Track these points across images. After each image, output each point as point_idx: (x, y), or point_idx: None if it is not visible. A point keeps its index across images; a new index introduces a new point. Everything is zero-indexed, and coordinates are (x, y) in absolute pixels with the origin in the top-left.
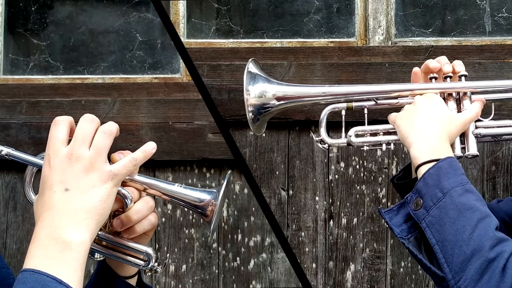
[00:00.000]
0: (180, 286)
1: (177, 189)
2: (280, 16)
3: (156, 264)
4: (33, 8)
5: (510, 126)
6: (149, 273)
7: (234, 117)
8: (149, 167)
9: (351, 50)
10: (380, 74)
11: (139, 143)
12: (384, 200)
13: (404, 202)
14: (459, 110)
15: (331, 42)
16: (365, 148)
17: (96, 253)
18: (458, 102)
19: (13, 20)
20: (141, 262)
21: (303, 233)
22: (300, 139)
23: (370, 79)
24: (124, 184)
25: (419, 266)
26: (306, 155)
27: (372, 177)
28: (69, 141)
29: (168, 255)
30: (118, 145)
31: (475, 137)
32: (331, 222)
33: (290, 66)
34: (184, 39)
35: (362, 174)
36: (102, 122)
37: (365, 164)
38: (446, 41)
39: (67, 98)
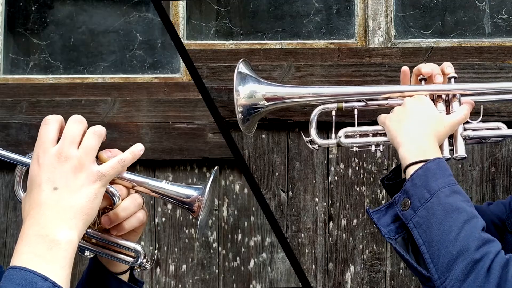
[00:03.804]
0: (180, 286)
1: (165, 185)
2: (280, 18)
3: (144, 260)
4: (33, 8)
5: (498, 128)
6: (138, 270)
7: (234, 118)
8: (149, 166)
9: (350, 52)
10: (379, 76)
11: (139, 143)
12: (384, 202)
13: (392, 202)
14: (448, 112)
15: (331, 43)
16: (355, 149)
17: (86, 251)
18: (447, 104)
19: (13, 20)
20: (130, 259)
21: (302, 235)
22: (299, 140)
23: (370, 81)
24: (112, 181)
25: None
26: (305, 156)
27: (371, 178)
28: (58, 140)
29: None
30: (118, 144)
31: (464, 139)
32: (331, 223)
33: (290, 68)
34: (183, 40)
35: (361, 176)
36: (102, 122)
37: (364, 165)
38: (445, 42)
39: (67, 97)
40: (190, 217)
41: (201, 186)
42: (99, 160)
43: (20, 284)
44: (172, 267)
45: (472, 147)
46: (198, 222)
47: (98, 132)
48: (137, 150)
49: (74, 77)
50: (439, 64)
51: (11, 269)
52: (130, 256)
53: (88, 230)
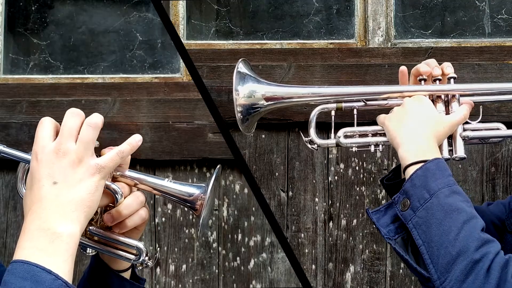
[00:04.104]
0: (180, 286)
1: (167, 184)
2: (280, 18)
3: (147, 258)
4: (33, 8)
5: (498, 128)
6: (140, 267)
7: (234, 118)
8: (149, 166)
9: (350, 52)
10: (379, 76)
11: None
12: (384, 202)
13: (391, 202)
14: (447, 112)
15: (331, 43)
16: (354, 149)
17: (88, 248)
18: (447, 104)
19: (13, 20)
20: (132, 257)
21: (302, 235)
22: (299, 140)
23: (370, 81)
24: (115, 179)
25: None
26: (305, 156)
27: (371, 178)
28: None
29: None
30: (118, 144)
31: (463, 139)
32: (331, 223)
33: (290, 68)
34: (183, 41)
35: (361, 176)
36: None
37: (364, 165)
38: (445, 42)
39: (67, 97)
40: (190, 217)
41: (203, 185)
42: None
43: (23, 277)
44: (172, 267)
45: (472, 147)
46: (200, 221)
47: (94, 123)
48: (134, 140)
49: (74, 77)
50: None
51: (14, 263)
52: (132, 254)
53: (91, 227)
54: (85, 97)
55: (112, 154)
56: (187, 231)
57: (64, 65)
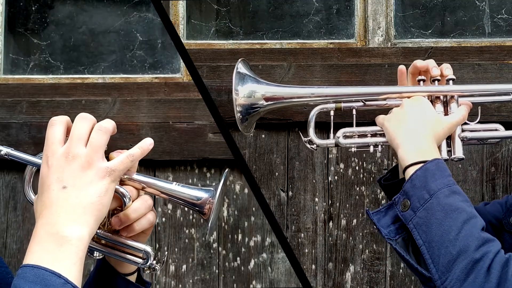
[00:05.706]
0: (180, 286)
1: (175, 187)
2: (280, 18)
3: (154, 262)
4: (33, 8)
5: (496, 129)
6: (148, 271)
7: (234, 118)
8: (149, 166)
9: (350, 51)
10: (379, 75)
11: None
12: (383, 201)
13: (392, 203)
14: (446, 113)
15: (331, 43)
16: (353, 149)
17: (95, 252)
18: (446, 105)
19: (14, 20)
20: (140, 260)
21: (302, 235)
22: (299, 140)
23: (370, 80)
24: (122, 183)
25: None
26: (305, 156)
27: (371, 178)
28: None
29: (166, 253)
30: (118, 144)
31: (461, 140)
32: (331, 223)
33: (290, 68)
34: (183, 40)
35: (361, 175)
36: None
37: (364, 165)
38: (445, 42)
39: (67, 98)
40: (190, 217)
41: (211, 188)
42: (109, 160)
43: (34, 281)
44: (172, 267)
45: (472, 147)
46: (209, 224)
47: (105, 128)
48: (145, 144)
49: (74, 77)
50: (438, 65)
51: (23, 268)
52: (140, 257)
53: (98, 231)
54: (85, 97)
55: (122, 157)
56: (187, 231)
57: (64, 65)
